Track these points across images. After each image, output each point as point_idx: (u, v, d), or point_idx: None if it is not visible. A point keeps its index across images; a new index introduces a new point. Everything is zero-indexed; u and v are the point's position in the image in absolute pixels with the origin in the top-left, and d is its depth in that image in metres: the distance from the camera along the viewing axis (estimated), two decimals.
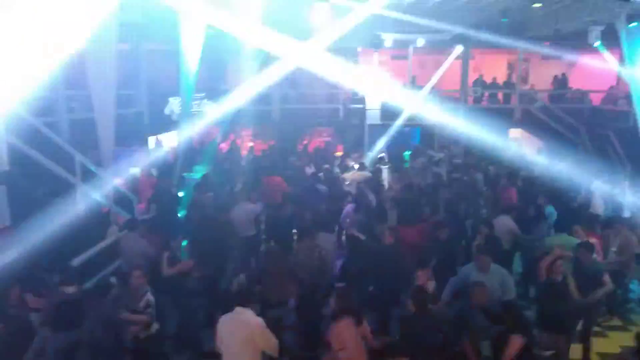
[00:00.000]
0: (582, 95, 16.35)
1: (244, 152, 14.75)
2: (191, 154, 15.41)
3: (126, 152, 13.96)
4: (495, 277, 5.48)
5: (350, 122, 15.89)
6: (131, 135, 11.96)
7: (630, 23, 10.04)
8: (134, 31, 11.70)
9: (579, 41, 13.64)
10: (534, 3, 10.11)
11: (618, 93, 16.05)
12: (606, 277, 5.77)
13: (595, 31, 11.84)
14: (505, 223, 7.32)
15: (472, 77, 16.89)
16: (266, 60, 15.09)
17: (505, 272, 5.70)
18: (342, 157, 12.83)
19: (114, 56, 6.80)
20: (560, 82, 16.95)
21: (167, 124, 13.27)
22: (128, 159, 13.51)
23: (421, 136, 16.32)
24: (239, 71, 17.07)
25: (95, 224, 7.24)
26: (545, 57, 17.93)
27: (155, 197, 9.84)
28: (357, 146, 15.22)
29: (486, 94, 16.63)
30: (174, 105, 13.54)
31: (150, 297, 5.35)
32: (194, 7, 8.55)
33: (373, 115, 15.04)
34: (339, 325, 4.57)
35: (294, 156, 12.87)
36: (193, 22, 9.40)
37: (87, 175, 7.27)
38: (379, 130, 15.40)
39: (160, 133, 15.01)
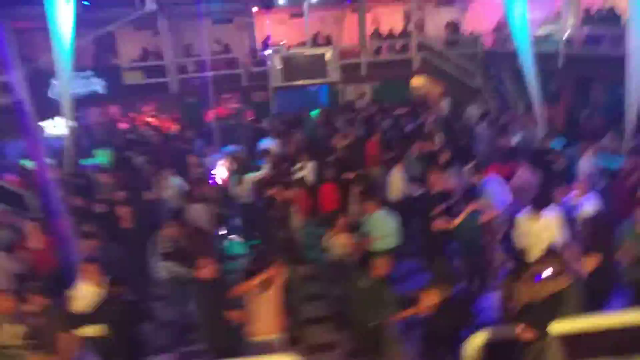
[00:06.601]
0: (475, 39, 16.85)
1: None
2: (88, 137, 14.46)
3: (13, 145, 12.80)
4: None
5: (254, 86, 15.56)
6: (16, 126, 10.90)
7: None
8: None
9: None
10: None
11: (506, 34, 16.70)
12: None
13: None
14: None
15: (370, 30, 16.98)
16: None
17: None
18: None
19: None
20: (453, 27, 17.40)
21: (55, 108, 12.23)
22: (16, 151, 12.40)
23: (328, 94, 16.34)
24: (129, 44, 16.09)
25: None
26: (438, 4, 18.35)
27: None
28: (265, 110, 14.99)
29: (384, 45, 16.77)
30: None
31: None
32: None
33: (276, 76, 14.77)
34: None
35: None
36: None
37: None
38: (284, 91, 15.23)
39: (48, 119, 13.88)
